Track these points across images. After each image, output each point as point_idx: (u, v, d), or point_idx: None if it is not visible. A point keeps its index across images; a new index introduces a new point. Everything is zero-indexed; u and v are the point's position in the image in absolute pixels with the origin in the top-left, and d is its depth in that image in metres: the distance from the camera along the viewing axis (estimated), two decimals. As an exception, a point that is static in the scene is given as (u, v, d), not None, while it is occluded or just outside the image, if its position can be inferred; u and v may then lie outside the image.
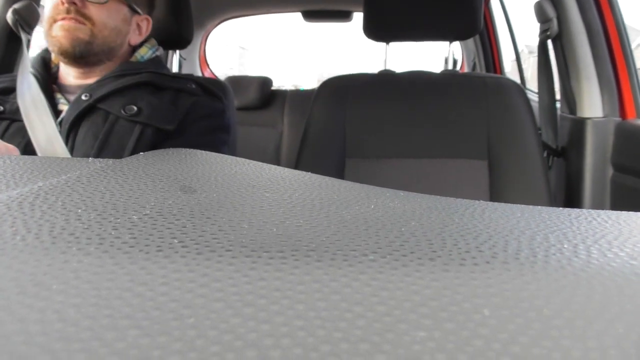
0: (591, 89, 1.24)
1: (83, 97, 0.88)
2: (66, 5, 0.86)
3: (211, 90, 0.99)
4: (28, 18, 1.15)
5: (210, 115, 0.96)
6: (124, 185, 0.33)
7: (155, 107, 0.89)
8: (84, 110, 0.87)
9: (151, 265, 0.21)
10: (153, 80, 0.93)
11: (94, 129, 0.86)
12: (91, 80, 0.93)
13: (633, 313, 0.18)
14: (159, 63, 1.01)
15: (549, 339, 0.17)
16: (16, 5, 1.13)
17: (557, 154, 1.37)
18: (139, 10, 0.99)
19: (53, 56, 0.97)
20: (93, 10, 0.89)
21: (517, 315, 0.18)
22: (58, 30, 0.88)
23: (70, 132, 0.86)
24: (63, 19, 0.87)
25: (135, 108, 0.88)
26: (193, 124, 0.94)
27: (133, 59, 1.00)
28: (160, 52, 1.07)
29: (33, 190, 0.31)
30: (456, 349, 0.16)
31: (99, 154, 0.84)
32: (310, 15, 2.66)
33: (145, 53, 1.01)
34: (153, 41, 1.06)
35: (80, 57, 0.90)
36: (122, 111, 0.87)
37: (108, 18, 0.91)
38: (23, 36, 1.13)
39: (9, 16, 1.13)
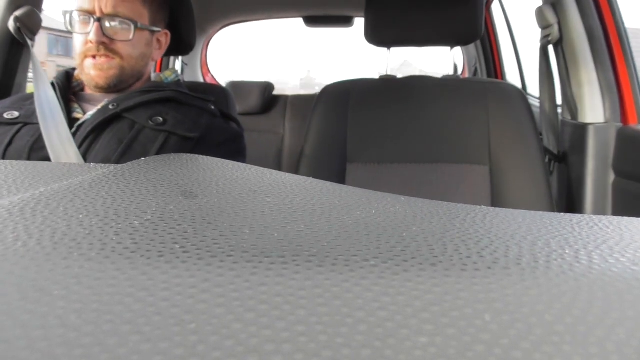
0: (592, 94, 1.24)
1: (110, 107, 0.93)
2: (96, 44, 0.94)
3: (227, 114, 1.09)
4: (30, 25, 1.16)
5: (230, 140, 1.03)
6: (125, 191, 0.33)
7: (179, 120, 0.96)
8: (110, 118, 0.92)
9: (152, 271, 0.21)
10: (177, 98, 1.00)
11: (120, 135, 0.91)
12: (115, 93, 1.00)
13: (634, 319, 0.18)
14: (181, 85, 1.10)
15: (551, 345, 0.17)
16: (17, 13, 1.14)
17: (558, 159, 1.37)
18: (158, 29, 1.05)
19: (77, 72, 1.03)
20: (120, 46, 0.96)
21: (518, 320, 0.18)
22: (91, 69, 0.96)
23: (89, 135, 0.90)
24: (94, 56, 0.95)
25: (161, 119, 0.94)
26: (215, 149, 0.99)
27: (158, 79, 1.09)
28: (181, 77, 1.16)
29: (35, 195, 0.31)
30: (458, 355, 0.16)
31: (121, 157, 0.88)
32: (312, 20, 2.66)
33: (169, 76, 1.11)
34: (174, 68, 1.19)
35: (114, 87, 0.98)
36: (149, 121, 0.93)
37: (134, 49, 0.98)
38: (29, 43, 1.14)
39: (11, 24, 1.13)
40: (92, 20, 0.93)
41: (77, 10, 0.94)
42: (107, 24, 0.94)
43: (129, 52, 0.97)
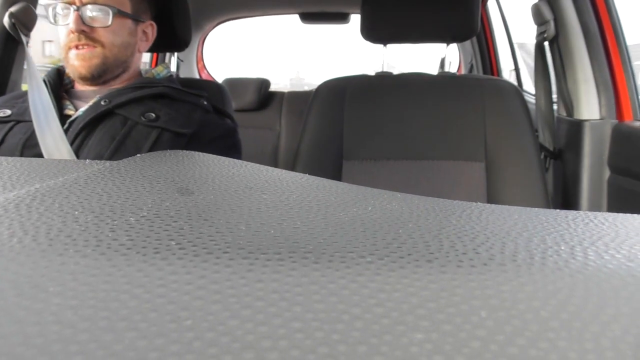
0: (588, 91, 1.24)
1: (102, 102, 0.93)
2: (77, 33, 0.94)
3: (220, 109, 1.08)
4: (25, 21, 1.16)
5: (224, 135, 1.03)
6: (121, 187, 0.33)
7: (172, 116, 0.95)
8: (102, 114, 0.92)
9: (148, 267, 0.21)
10: (169, 93, 0.99)
11: (112, 132, 0.90)
12: (106, 89, 1.00)
13: (629, 315, 0.19)
14: (173, 81, 1.09)
15: (546, 341, 0.17)
16: (13, 9, 1.13)
17: (554, 155, 1.37)
18: (143, 19, 1.04)
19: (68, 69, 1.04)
20: (101, 33, 0.96)
21: (514, 316, 0.18)
22: (74, 59, 0.96)
23: (81, 132, 0.90)
24: (76, 46, 0.95)
25: (153, 115, 0.94)
26: (208, 145, 0.99)
27: (149, 75, 1.08)
28: (173, 73, 1.16)
29: (30, 192, 0.31)
30: (453, 351, 0.16)
31: (114, 154, 0.88)
32: (308, 17, 2.65)
33: (161, 71, 1.11)
34: (166, 63, 1.18)
35: (98, 77, 0.98)
36: (142, 117, 0.93)
37: (115, 36, 0.98)
38: (24, 39, 1.14)
39: (6, 20, 1.13)
40: (72, 10, 0.93)
41: (59, 3, 0.95)
42: (86, 13, 0.94)
43: (110, 40, 0.97)
